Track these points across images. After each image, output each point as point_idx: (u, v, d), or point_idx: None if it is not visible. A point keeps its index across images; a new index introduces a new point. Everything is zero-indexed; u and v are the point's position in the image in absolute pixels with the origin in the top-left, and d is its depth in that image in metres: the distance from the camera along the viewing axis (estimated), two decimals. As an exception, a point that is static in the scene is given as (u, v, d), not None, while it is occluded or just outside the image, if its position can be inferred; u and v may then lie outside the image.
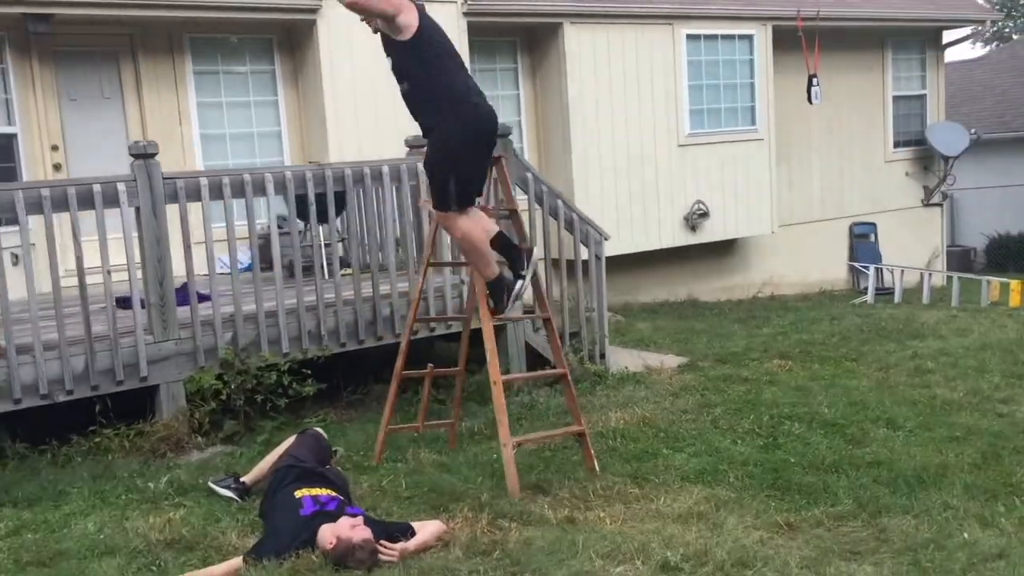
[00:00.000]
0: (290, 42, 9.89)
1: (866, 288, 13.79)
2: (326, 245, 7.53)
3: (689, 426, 5.86)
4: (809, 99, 13.13)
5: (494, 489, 4.83)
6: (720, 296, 13.09)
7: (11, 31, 8.38)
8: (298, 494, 4.29)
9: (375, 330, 6.62)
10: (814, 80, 13.07)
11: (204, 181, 5.92)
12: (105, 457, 5.61)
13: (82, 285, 5.57)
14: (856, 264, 14.25)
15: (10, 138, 8.44)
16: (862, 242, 14.75)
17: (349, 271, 6.89)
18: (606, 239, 7.68)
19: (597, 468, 5.14)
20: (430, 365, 5.78)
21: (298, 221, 6.77)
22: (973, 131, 16.26)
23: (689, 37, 11.87)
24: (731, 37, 12.27)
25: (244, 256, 8.09)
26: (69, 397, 5.60)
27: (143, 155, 5.72)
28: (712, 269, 13.26)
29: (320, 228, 7.61)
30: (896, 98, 15.11)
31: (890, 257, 14.49)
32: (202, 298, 6.14)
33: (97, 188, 5.57)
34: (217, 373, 5.96)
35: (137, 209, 5.73)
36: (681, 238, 12.22)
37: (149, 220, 5.76)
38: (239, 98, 9.73)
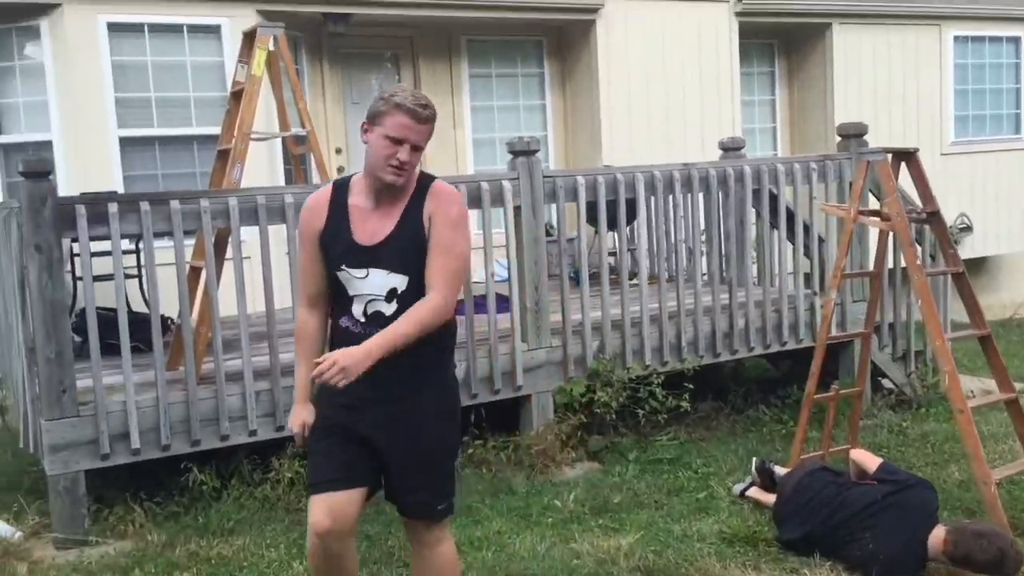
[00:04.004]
0: (559, 45, 9.60)
1: None
2: (611, 253, 7.11)
3: None
4: (1076, 106, 12.14)
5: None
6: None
7: (307, 32, 8.31)
8: None
9: (730, 343, 6.17)
10: (1082, 86, 12.08)
11: (581, 180, 5.59)
12: (481, 470, 5.31)
13: (467, 290, 5.29)
14: None
15: (303, 140, 8.34)
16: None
17: (636, 281, 6.48)
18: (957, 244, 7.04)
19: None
20: (835, 386, 5.25)
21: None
22: None
23: (956, 39, 11.11)
24: (998, 39, 11.45)
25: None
26: (451, 405, 5.31)
27: (525, 152, 5.42)
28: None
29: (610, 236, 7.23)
30: None
31: None
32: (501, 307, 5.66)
33: (485, 186, 5.29)
34: (586, 384, 5.60)
35: (517, 208, 5.43)
36: (941, 253, 11.41)
37: (529, 220, 5.45)
38: (509, 101, 9.50)
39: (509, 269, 5.47)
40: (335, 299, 2.92)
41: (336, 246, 2.86)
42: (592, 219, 6.50)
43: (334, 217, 2.87)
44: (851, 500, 4.12)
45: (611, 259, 7.11)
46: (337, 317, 2.94)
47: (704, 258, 6.55)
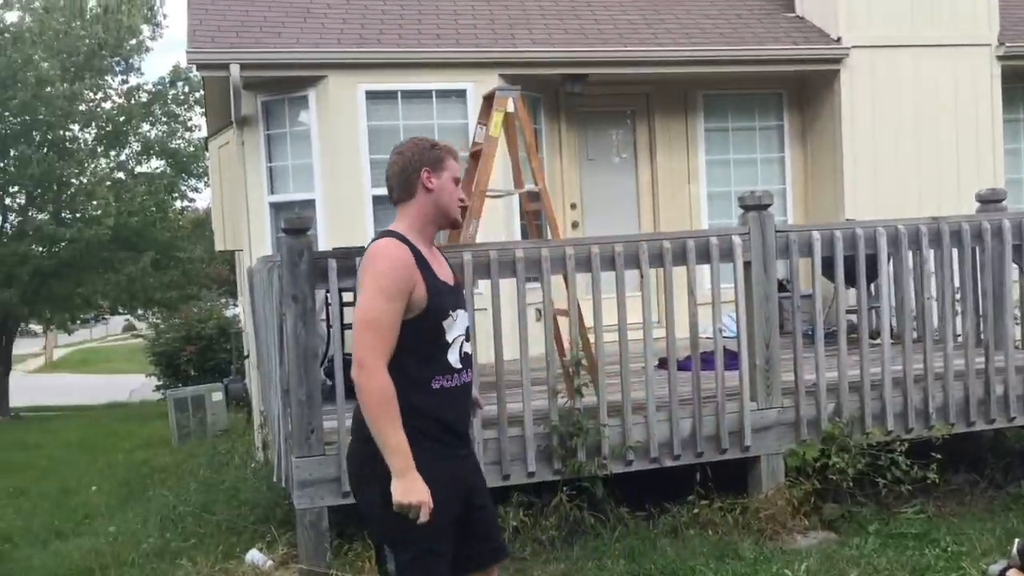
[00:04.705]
0: (799, 97, 9.36)
1: None
2: (850, 311, 6.61)
3: None
4: None
5: None
6: None
7: (545, 94, 8.62)
8: None
9: (987, 411, 5.67)
10: None
11: (816, 235, 5.39)
12: (706, 532, 5.16)
13: (694, 345, 5.23)
14: None
15: (536, 196, 8.61)
16: None
17: (877, 341, 6.02)
18: None
19: None
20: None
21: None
22: None
23: None
24: None
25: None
26: (675, 463, 5.24)
27: (756, 206, 5.32)
28: None
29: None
30: None
31: None
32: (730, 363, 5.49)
33: (714, 240, 5.23)
34: (820, 448, 5.34)
35: (747, 263, 5.32)
36: None
37: (760, 275, 5.32)
38: (745, 155, 9.35)
39: (738, 324, 5.35)
40: (420, 362, 2.79)
41: (441, 292, 2.83)
42: (829, 275, 6.22)
43: (423, 267, 2.81)
44: None
45: (850, 317, 6.75)
46: (419, 384, 2.79)
47: (958, 318, 6.07)
